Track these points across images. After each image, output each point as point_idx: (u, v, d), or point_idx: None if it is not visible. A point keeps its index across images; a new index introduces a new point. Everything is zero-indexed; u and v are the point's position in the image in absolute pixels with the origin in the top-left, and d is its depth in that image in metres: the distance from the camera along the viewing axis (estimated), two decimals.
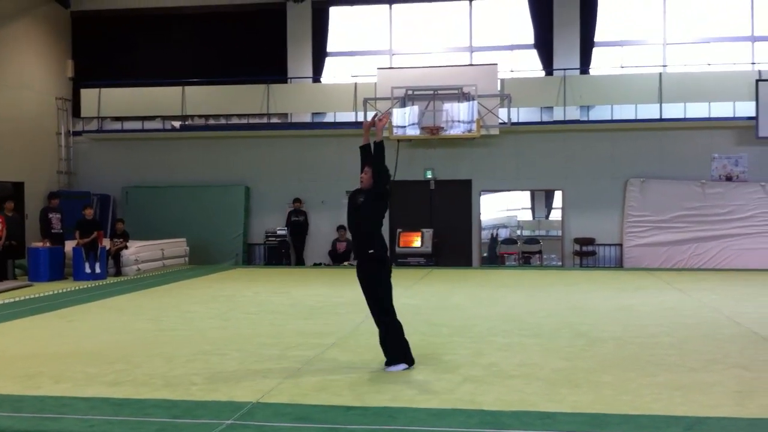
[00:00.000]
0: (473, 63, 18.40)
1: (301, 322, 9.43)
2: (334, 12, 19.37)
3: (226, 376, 6.37)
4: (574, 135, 17.97)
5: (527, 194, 18.44)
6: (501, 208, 18.58)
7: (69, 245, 15.24)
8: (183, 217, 18.62)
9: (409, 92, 16.91)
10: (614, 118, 17.86)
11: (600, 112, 18.13)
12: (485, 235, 18.33)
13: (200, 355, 7.26)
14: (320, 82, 19.16)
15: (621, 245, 17.58)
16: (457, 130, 16.73)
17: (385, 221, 7.03)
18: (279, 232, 18.53)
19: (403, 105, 16.86)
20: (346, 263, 17.69)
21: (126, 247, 15.92)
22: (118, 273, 15.61)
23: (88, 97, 19.06)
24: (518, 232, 18.42)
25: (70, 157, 19.69)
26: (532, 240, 18.21)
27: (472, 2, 18.98)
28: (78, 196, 18.46)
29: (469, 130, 16.58)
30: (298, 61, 19.17)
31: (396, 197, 16.37)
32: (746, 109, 17.11)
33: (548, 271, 16.48)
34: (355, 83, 18.10)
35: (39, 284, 14.01)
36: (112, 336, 8.45)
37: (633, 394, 5.71)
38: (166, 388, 5.99)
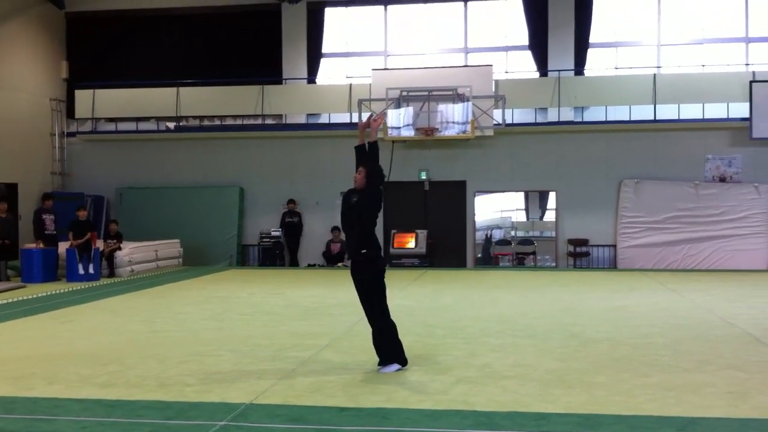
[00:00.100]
0: (468, 64, 18.42)
1: (295, 323, 9.42)
2: (329, 13, 19.38)
3: (220, 378, 6.36)
4: (568, 136, 18.00)
5: (521, 195, 18.46)
6: (495, 209, 18.59)
7: (62, 246, 15.20)
8: (177, 219, 18.58)
9: (404, 93, 16.90)
10: (608, 119, 17.90)
11: (594, 113, 18.18)
12: (479, 236, 18.33)
13: (194, 357, 7.25)
14: (315, 83, 19.16)
15: (615, 246, 17.61)
16: (451, 131, 16.74)
17: (380, 222, 7.03)
18: (273, 233, 18.50)
19: (398, 106, 16.86)
20: (340, 264, 17.68)
21: (120, 249, 15.89)
22: (112, 274, 15.57)
23: (82, 98, 19.04)
24: (512, 233, 18.42)
25: (64, 159, 19.63)
26: (526, 241, 18.21)
27: (467, 3, 19.01)
28: (71, 197, 18.39)
29: (464, 131, 16.59)
30: (293, 62, 19.17)
31: (390, 198, 16.41)
32: (740, 110, 17.18)
33: (542, 272, 16.50)
34: (350, 84, 18.11)
35: (32, 285, 13.96)
36: (105, 337, 8.43)
37: (626, 395, 5.72)
38: (160, 389, 5.98)
